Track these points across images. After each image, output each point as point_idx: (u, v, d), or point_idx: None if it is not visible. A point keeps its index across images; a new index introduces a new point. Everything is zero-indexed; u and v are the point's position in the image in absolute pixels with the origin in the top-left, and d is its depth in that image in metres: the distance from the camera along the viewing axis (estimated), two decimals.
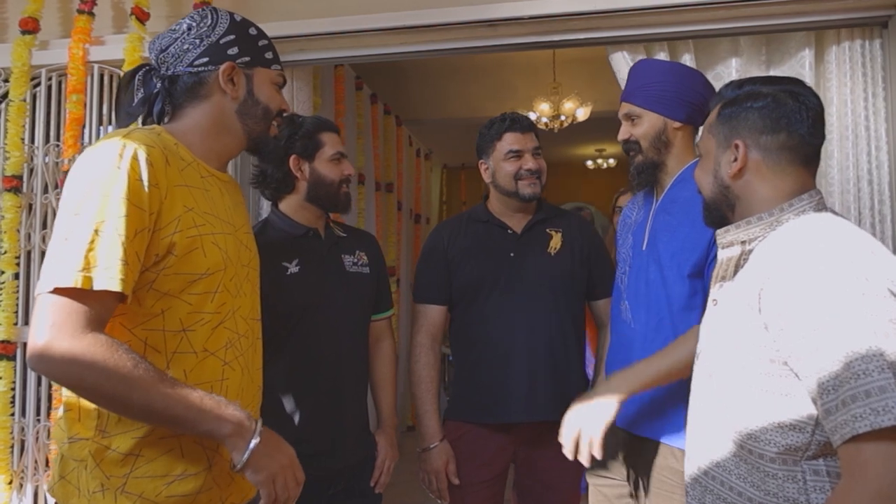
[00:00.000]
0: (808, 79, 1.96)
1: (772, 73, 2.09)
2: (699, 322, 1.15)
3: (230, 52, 1.16)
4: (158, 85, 1.17)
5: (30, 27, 2.31)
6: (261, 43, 1.22)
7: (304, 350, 1.57)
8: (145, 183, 1.00)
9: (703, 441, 1.03)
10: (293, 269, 1.59)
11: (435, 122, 5.31)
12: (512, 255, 1.77)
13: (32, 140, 2.35)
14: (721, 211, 1.08)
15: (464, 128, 6.06)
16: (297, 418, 1.56)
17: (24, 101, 2.31)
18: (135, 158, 1.00)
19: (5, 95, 2.35)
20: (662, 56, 2.09)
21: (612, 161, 7.89)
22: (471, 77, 4.84)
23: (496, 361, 1.73)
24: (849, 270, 0.85)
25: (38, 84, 2.37)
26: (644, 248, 1.53)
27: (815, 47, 2.00)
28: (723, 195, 1.06)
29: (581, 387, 1.77)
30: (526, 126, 1.82)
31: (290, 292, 1.57)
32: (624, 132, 1.56)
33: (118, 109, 1.19)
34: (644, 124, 1.51)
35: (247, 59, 1.18)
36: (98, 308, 0.96)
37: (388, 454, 1.72)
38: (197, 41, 1.16)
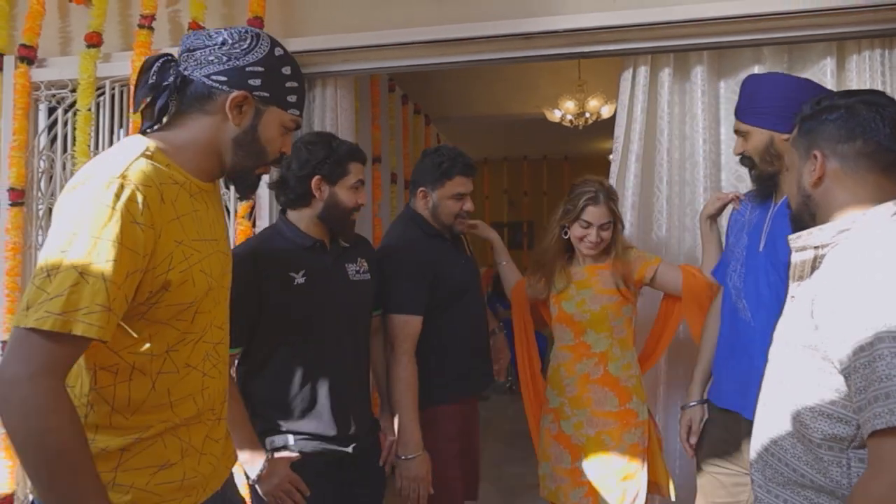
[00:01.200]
0: (830, 86, 2.06)
1: None
2: None
3: (252, 82, 1.13)
4: (171, 79, 1.13)
5: (94, 41, 2.50)
6: (288, 84, 1.18)
7: (314, 354, 1.66)
8: (141, 225, 0.98)
9: (766, 424, 1.15)
10: (300, 279, 1.64)
11: (461, 119, 5.44)
12: (463, 261, 2.08)
13: (97, 147, 2.54)
14: (804, 220, 1.13)
15: (488, 124, 6.21)
16: (310, 415, 1.66)
17: (90, 110, 2.49)
18: (132, 200, 0.97)
19: (72, 105, 2.54)
20: (668, 70, 2.22)
21: None
22: (495, 76, 4.94)
23: (466, 348, 2.02)
24: (888, 279, 0.92)
25: (102, 94, 2.55)
26: (761, 249, 1.60)
27: (837, 56, 2.11)
28: (805, 204, 1.12)
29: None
30: (473, 171, 2.05)
31: (297, 302, 1.63)
32: (738, 147, 1.66)
33: (136, 92, 1.15)
34: (753, 140, 1.60)
35: (266, 94, 1.15)
36: (70, 350, 0.95)
37: (388, 433, 1.88)
38: (224, 58, 1.12)
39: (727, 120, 2.27)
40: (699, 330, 1.90)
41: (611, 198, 1.99)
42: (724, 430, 1.67)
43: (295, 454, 1.63)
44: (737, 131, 1.64)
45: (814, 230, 1.10)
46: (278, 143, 1.20)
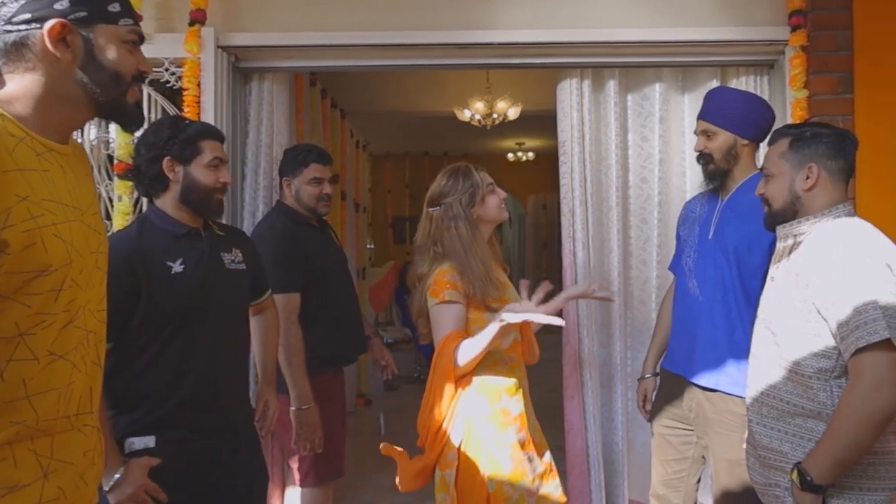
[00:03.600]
0: None
1: (686, 97, 2.59)
2: (757, 294, 1.59)
3: (58, 6, 0.96)
4: None
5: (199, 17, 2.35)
6: None
7: (189, 346, 1.60)
8: None
9: (760, 374, 1.48)
10: (177, 268, 1.60)
11: (374, 114, 5.51)
12: (331, 248, 2.36)
13: None
14: (786, 216, 1.47)
15: (398, 119, 6.36)
16: (182, 410, 1.59)
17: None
18: None
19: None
20: (588, 82, 2.54)
21: (531, 154, 8.43)
22: (407, 75, 5.09)
23: (333, 324, 2.27)
24: (862, 251, 1.30)
25: None
26: (711, 237, 1.88)
27: (721, 79, 2.52)
28: (792, 203, 1.46)
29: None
30: (327, 159, 2.33)
31: (175, 291, 1.58)
32: (700, 145, 1.89)
33: None
34: (718, 140, 1.84)
35: (82, 14, 0.98)
36: None
37: (269, 402, 1.95)
38: None
39: (633, 128, 2.62)
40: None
41: None
42: (672, 394, 1.97)
43: (154, 459, 1.51)
44: (703, 131, 1.87)
45: (794, 223, 1.46)
46: (129, 60, 1.05)
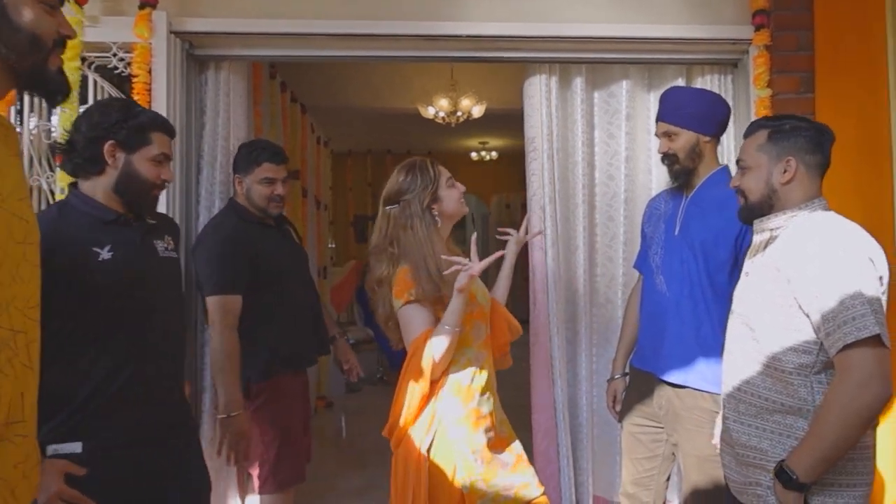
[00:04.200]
0: None
1: (652, 95, 2.59)
2: (730, 288, 1.57)
3: None
4: None
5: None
6: None
7: (122, 339, 1.49)
8: None
9: (736, 370, 1.45)
10: (105, 255, 1.48)
11: (333, 109, 5.42)
12: (289, 247, 2.28)
13: None
14: (762, 209, 1.45)
15: (360, 116, 6.26)
16: (113, 410, 1.47)
17: None
18: None
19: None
20: (555, 78, 2.51)
21: (494, 154, 8.43)
22: (370, 70, 5.02)
23: (290, 326, 2.19)
24: (844, 245, 1.28)
25: None
26: (677, 233, 1.87)
27: (686, 78, 2.53)
28: (769, 196, 1.44)
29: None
30: (280, 159, 2.22)
31: (105, 279, 1.46)
32: (663, 146, 1.88)
33: None
34: (681, 140, 1.84)
35: None
36: None
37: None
38: None
39: (600, 125, 2.61)
40: None
41: None
42: (642, 392, 1.95)
43: (76, 467, 1.36)
44: (664, 133, 1.87)
45: (772, 217, 1.44)
46: (48, 22, 0.97)
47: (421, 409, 1.63)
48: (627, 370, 2.10)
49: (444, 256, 1.61)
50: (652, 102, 2.59)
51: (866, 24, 2.01)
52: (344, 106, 5.39)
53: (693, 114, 1.83)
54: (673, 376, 1.83)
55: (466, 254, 1.85)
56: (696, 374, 1.79)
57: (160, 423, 1.56)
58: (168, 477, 1.56)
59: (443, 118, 5.15)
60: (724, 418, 1.50)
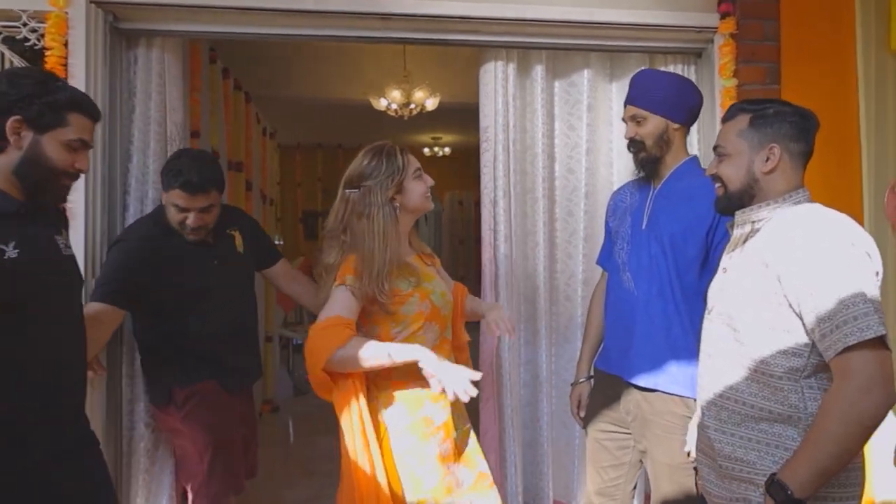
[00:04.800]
0: None
1: (614, 85, 2.50)
2: (700, 286, 1.47)
3: None
4: None
5: None
6: None
7: (24, 347, 1.34)
8: None
9: (717, 374, 1.34)
10: (11, 253, 1.30)
11: (280, 99, 5.20)
12: (215, 263, 2.04)
13: None
14: (742, 200, 1.34)
15: (309, 107, 6.03)
16: (5, 426, 1.32)
17: None
18: None
19: None
20: (514, 66, 2.39)
21: (447, 150, 8.31)
22: (319, 57, 4.82)
23: (214, 349, 2.03)
24: (840, 239, 1.18)
25: None
26: (644, 227, 1.75)
27: (649, 67, 2.43)
28: (750, 186, 1.33)
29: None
30: (194, 190, 1.90)
31: (11, 281, 1.29)
32: (630, 131, 1.76)
33: None
34: (649, 125, 1.72)
35: None
36: None
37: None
38: None
39: (560, 116, 2.50)
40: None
41: None
42: (608, 396, 1.83)
43: None
44: (632, 117, 1.76)
45: (754, 208, 1.33)
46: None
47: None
48: (592, 373, 1.99)
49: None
50: (614, 93, 2.50)
51: (834, 13, 1.96)
52: (292, 96, 5.17)
53: (664, 99, 1.72)
54: (642, 379, 1.72)
55: (429, 257, 1.75)
56: (667, 377, 1.69)
57: (60, 442, 1.39)
58: (74, 501, 1.41)
59: (395, 111, 4.98)
60: (704, 427, 1.38)
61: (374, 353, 1.46)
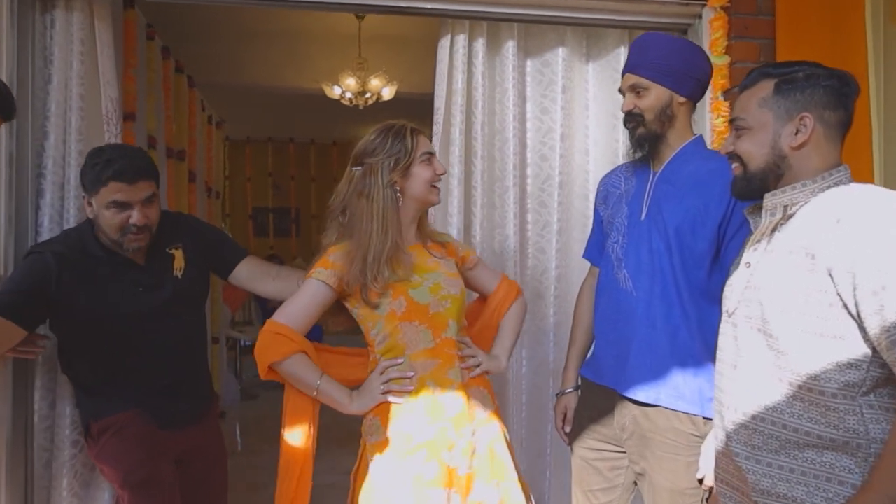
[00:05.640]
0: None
1: (590, 66, 2.33)
2: (709, 285, 1.30)
3: None
4: None
5: None
6: None
7: None
8: None
9: (746, 389, 1.13)
10: None
11: (227, 87, 4.92)
12: (140, 290, 1.74)
13: None
14: (766, 181, 1.15)
15: (258, 96, 5.73)
16: None
17: None
18: None
19: None
20: (482, 41, 2.18)
21: None
22: (268, 42, 4.57)
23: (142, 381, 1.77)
24: None
25: None
26: (643, 217, 1.55)
27: (629, 45, 2.26)
28: (776, 164, 1.14)
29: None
30: (134, 175, 1.63)
31: None
32: (628, 103, 1.55)
33: None
34: (650, 97, 1.52)
35: None
36: None
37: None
38: None
39: (532, 98, 2.31)
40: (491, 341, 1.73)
41: None
42: (599, 410, 1.62)
43: None
44: (631, 87, 1.56)
45: (787, 189, 1.14)
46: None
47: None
48: (579, 382, 1.78)
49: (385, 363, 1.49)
50: (591, 74, 2.32)
51: None
52: (241, 84, 4.90)
53: (668, 67, 1.52)
54: (641, 393, 1.51)
55: (440, 246, 1.65)
56: (670, 391, 1.48)
57: None
58: None
59: (350, 99, 4.74)
60: (731, 454, 1.17)
61: (305, 383, 1.47)
